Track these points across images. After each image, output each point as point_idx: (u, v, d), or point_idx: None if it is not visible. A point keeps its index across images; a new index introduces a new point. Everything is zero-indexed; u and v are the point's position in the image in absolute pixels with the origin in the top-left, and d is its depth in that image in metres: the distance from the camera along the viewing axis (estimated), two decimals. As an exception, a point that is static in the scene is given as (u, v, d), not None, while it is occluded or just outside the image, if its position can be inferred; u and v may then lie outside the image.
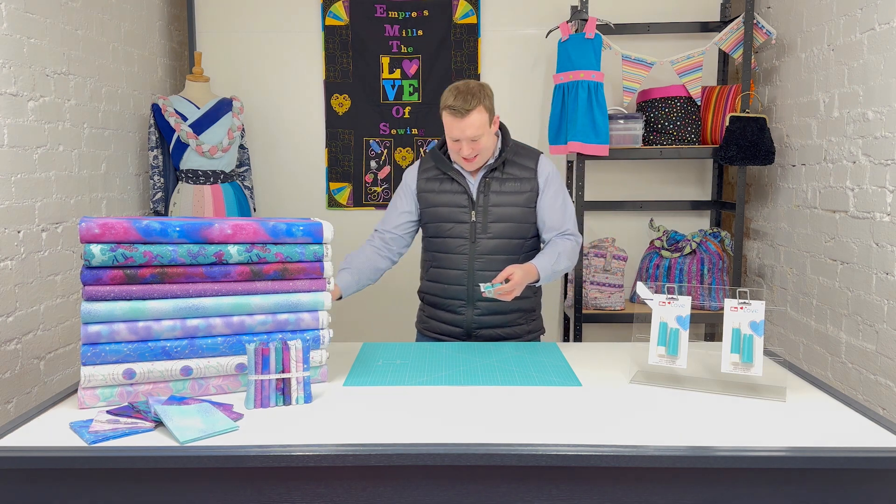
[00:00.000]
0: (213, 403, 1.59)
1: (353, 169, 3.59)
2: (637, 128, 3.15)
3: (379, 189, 3.60)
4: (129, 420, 1.49)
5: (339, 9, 3.50)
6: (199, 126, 3.15)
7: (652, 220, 3.44)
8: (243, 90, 3.51)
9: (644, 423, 1.51)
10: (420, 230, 2.36)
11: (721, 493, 1.35)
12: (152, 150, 3.18)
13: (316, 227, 1.75)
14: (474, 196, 2.21)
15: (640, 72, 3.16)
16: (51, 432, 1.46)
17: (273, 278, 1.72)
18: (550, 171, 2.25)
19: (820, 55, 2.75)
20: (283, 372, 1.62)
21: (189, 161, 3.15)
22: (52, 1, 2.54)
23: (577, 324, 3.19)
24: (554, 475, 1.36)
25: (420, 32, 3.50)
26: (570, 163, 3.41)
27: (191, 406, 1.54)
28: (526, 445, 1.36)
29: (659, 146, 3.17)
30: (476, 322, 2.25)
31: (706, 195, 3.56)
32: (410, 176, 2.31)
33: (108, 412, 1.54)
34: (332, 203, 3.62)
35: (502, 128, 2.26)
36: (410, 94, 3.54)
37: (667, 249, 3.28)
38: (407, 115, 3.56)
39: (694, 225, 3.54)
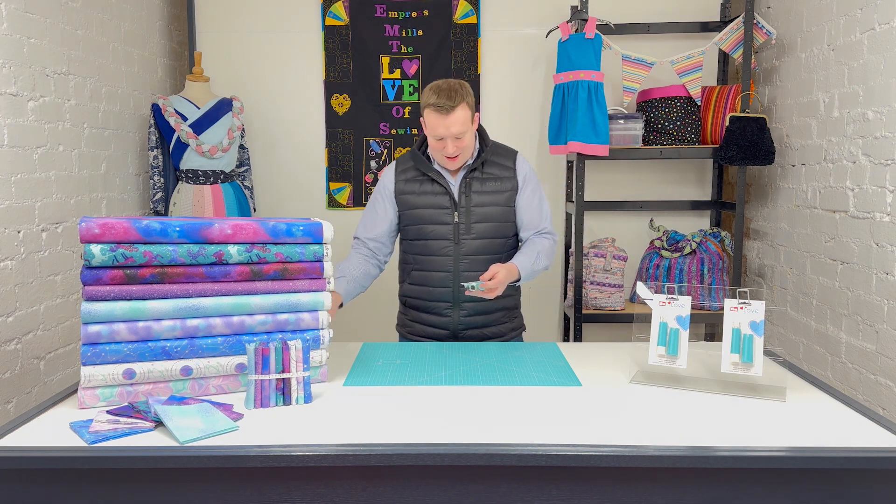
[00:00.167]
0: (213, 403, 1.59)
1: (353, 169, 3.59)
2: (637, 128, 3.15)
3: (379, 189, 3.60)
4: (129, 420, 1.49)
5: (339, 9, 3.50)
6: (199, 126, 3.15)
7: (652, 220, 3.44)
8: (243, 90, 3.51)
9: (644, 423, 1.51)
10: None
11: (721, 493, 1.35)
12: (152, 150, 3.18)
13: (316, 227, 1.75)
14: (456, 197, 2.20)
15: (640, 72, 3.16)
16: (51, 432, 1.46)
17: (273, 278, 1.72)
18: (528, 169, 2.26)
19: (820, 55, 2.75)
20: (283, 372, 1.62)
21: (189, 161, 3.15)
22: (52, 1, 2.54)
23: (577, 324, 3.19)
24: (554, 475, 1.36)
25: (420, 32, 3.50)
26: (570, 163, 3.41)
27: (191, 406, 1.54)
28: (526, 445, 1.36)
29: (659, 146, 3.17)
30: (462, 323, 2.25)
31: (706, 195, 3.56)
32: (388, 178, 2.27)
33: (108, 412, 1.54)
34: (332, 203, 3.62)
35: (480, 128, 2.25)
36: (410, 94, 3.54)
37: (667, 249, 3.28)
38: (407, 115, 3.56)
39: (694, 225, 3.54)
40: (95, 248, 1.57)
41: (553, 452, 1.34)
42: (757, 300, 1.70)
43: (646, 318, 1.82)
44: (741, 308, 1.71)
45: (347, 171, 3.59)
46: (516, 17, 3.49)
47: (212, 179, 3.19)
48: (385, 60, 3.53)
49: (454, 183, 2.21)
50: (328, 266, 1.78)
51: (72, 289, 2.65)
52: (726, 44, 3.12)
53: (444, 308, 2.24)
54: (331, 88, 3.55)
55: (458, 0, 3.48)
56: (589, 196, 3.42)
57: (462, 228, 2.19)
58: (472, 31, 3.50)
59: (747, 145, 2.96)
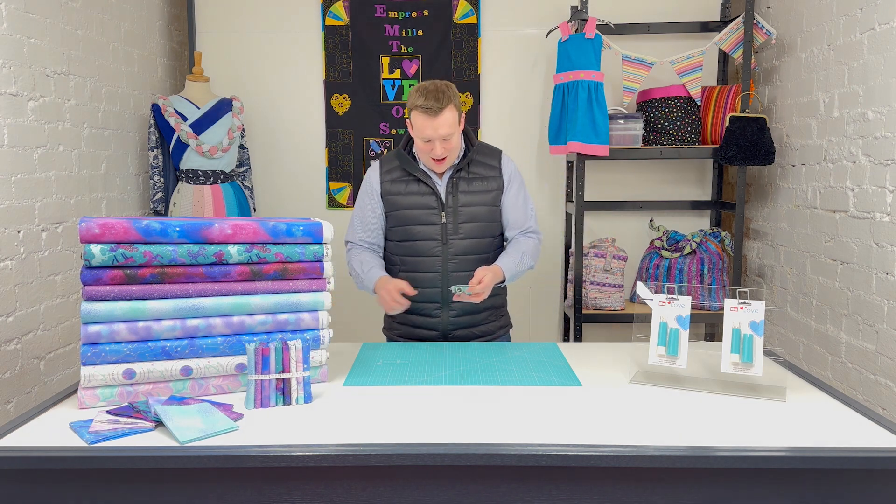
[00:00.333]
0: (213, 403, 1.59)
1: (353, 169, 3.59)
2: (637, 128, 3.15)
3: (379, 189, 3.60)
4: (129, 420, 1.49)
5: (339, 9, 3.50)
6: (199, 126, 3.15)
7: (652, 220, 3.44)
8: (243, 90, 3.51)
9: (644, 423, 1.51)
10: None
11: (721, 493, 1.35)
12: (152, 150, 3.18)
13: (316, 227, 1.75)
14: (443, 197, 2.19)
15: (640, 72, 3.16)
16: (51, 432, 1.46)
17: (273, 278, 1.72)
18: (512, 168, 2.26)
19: (820, 55, 2.75)
20: (283, 372, 1.62)
21: (189, 161, 3.15)
22: (52, 1, 2.54)
23: (577, 324, 3.19)
24: (554, 475, 1.36)
25: (420, 32, 3.50)
26: (570, 163, 3.41)
27: (191, 406, 1.54)
28: (526, 445, 1.36)
29: (659, 146, 3.17)
30: (452, 323, 2.25)
31: (706, 195, 3.56)
32: (373, 178, 2.25)
33: (108, 412, 1.54)
34: (332, 203, 3.62)
35: (465, 128, 2.23)
36: (410, 94, 3.54)
37: (667, 249, 3.28)
38: (407, 115, 3.55)
39: (694, 225, 3.54)
40: (95, 248, 1.57)
41: (553, 452, 1.34)
42: (757, 300, 1.70)
43: (646, 318, 1.82)
44: (741, 308, 1.71)
45: (347, 171, 3.59)
46: (516, 17, 3.49)
47: (212, 179, 3.19)
48: (385, 60, 3.53)
49: (441, 183, 2.21)
50: (328, 266, 1.78)
51: (72, 289, 2.65)
52: (726, 44, 3.12)
53: (434, 309, 2.24)
54: (331, 88, 3.55)
55: (458, 0, 3.48)
56: (589, 196, 3.42)
57: (450, 229, 2.19)
58: (472, 31, 3.50)
59: (747, 145, 2.96)
